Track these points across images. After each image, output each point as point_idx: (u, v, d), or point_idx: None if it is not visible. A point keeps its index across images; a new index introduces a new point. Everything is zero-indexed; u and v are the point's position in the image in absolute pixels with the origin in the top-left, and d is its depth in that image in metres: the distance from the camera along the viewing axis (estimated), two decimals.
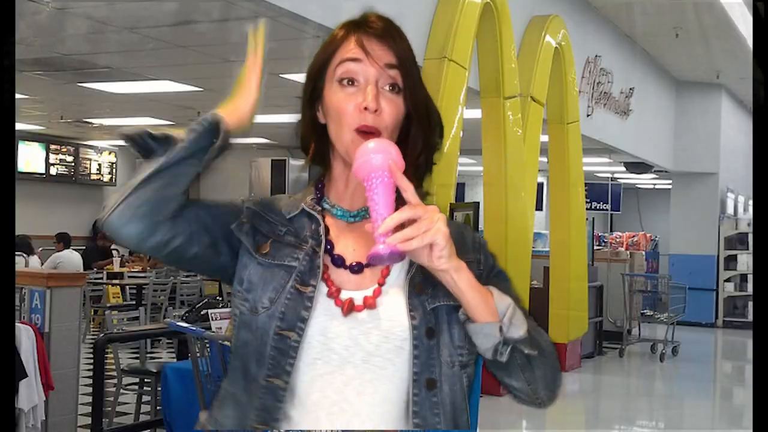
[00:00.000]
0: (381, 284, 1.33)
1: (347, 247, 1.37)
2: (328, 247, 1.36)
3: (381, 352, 1.29)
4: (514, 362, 1.30)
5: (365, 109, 1.31)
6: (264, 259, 1.35)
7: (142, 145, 1.44)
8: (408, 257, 1.26)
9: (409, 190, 1.24)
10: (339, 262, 1.36)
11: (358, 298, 1.32)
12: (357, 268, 1.34)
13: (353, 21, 1.40)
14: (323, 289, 1.32)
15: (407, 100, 1.35)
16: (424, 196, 1.37)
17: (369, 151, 1.25)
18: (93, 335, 9.54)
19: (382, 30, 1.36)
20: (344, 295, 1.32)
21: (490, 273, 1.41)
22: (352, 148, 1.30)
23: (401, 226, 1.21)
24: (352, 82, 1.34)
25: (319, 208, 1.39)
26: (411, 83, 1.35)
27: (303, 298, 1.31)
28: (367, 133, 1.31)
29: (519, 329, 1.28)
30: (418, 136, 1.37)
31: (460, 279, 1.26)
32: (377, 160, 1.24)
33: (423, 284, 1.32)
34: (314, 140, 1.41)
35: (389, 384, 1.30)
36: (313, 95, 1.40)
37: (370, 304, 1.31)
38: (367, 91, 1.32)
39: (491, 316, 1.28)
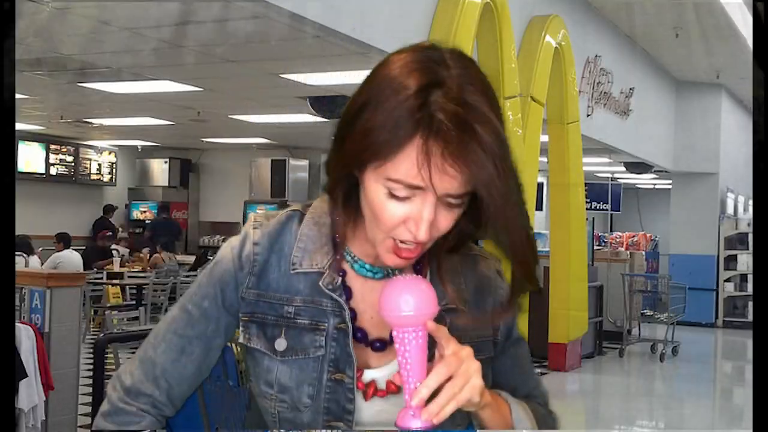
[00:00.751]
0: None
1: (365, 313, 1.22)
2: (351, 316, 1.21)
3: None
4: None
5: (412, 233, 1.09)
6: (286, 356, 1.22)
7: None
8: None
9: (448, 348, 1.09)
10: (361, 337, 1.22)
11: (380, 380, 1.22)
12: (380, 346, 1.21)
13: (422, 113, 1.04)
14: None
15: (466, 218, 1.13)
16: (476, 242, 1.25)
17: (401, 300, 1.07)
18: (93, 335, 9.54)
19: (463, 143, 1.03)
20: (366, 376, 1.22)
21: (507, 340, 1.31)
22: (381, 248, 1.13)
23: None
24: (405, 198, 1.08)
25: (339, 280, 1.21)
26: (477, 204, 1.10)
27: (343, 388, 1.21)
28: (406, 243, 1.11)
29: None
30: (469, 228, 1.17)
31: (484, 414, 1.16)
32: (410, 319, 1.07)
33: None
34: (343, 189, 1.17)
35: None
36: (349, 165, 1.13)
37: (393, 390, 1.20)
38: (421, 221, 1.08)
39: (505, 426, 1.19)
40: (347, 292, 1.22)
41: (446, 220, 1.10)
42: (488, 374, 1.27)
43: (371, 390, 1.21)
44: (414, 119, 1.03)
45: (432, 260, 1.22)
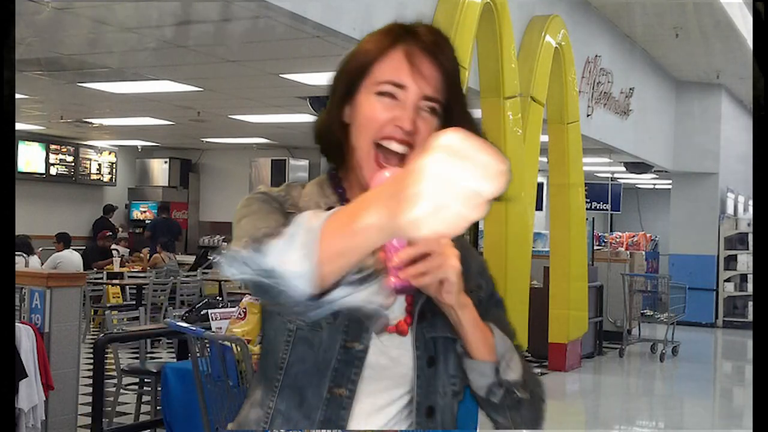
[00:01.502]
0: (409, 311, 1.34)
1: None
2: None
3: (397, 376, 1.32)
4: (503, 402, 1.30)
5: (399, 126, 1.28)
6: None
7: None
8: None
9: None
10: None
11: (390, 318, 1.32)
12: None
13: (402, 29, 1.34)
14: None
15: (443, 120, 1.31)
16: None
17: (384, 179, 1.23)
18: (93, 335, 9.54)
19: (432, 46, 1.31)
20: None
21: (489, 300, 1.43)
22: (366, 160, 1.30)
23: (414, 260, 1.21)
24: (391, 96, 1.30)
25: None
26: (448, 113, 1.31)
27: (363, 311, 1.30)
28: (389, 152, 1.28)
29: (515, 372, 1.30)
30: None
31: (463, 316, 1.28)
32: None
33: (424, 312, 1.33)
34: (335, 139, 1.36)
35: (402, 409, 1.32)
36: (344, 97, 1.34)
37: (402, 330, 1.32)
38: (407, 110, 1.28)
39: (489, 354, 1.30)
40: None
41: (425, 126, 1.28)
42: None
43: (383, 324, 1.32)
44: (397, 35, 1.32)
45: None
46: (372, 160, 1.29)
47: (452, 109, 1.31)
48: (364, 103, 1.30)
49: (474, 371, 1.30)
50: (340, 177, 1.39)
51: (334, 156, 1.38)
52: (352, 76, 1.33)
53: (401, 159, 1.27)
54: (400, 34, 1.32)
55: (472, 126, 1.33)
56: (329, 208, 1.26)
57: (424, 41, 1.31)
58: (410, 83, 1.28)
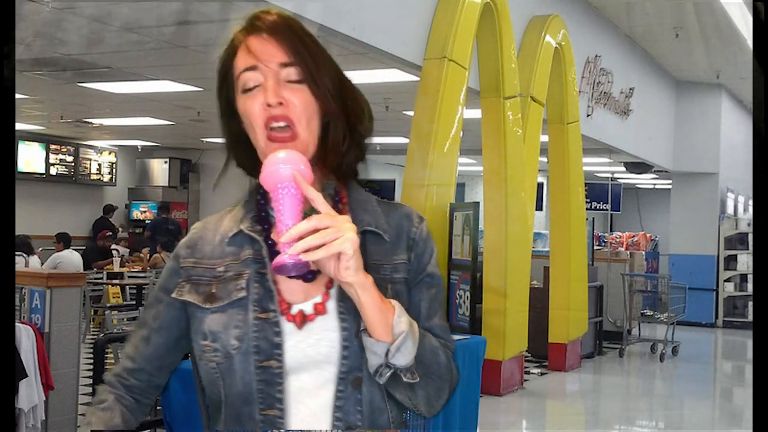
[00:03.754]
0: (329, 287, 1.33)
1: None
2: (274, 252, 1.33)
3: (326, 358, 1.30)
4: (395, 381, 1.29)
5: (269, 105, 1.30)
6: (215, 305, 1.34)
7: None
8: (316, 268, 1.25)
9: (317, 200, 1.23)
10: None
11: (308, 308, 1.31)
12: (311, 277, 1.31)
13: (244, 24, 1.38)
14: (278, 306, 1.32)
15: (313, 91, 1.32)
16: (363, 185, 1.41)
17: (276, 161, 1.23)
18: (93, 335, 9.54)
19: (270, 27, 1.34)
20: (294, 308, 1.32)
21: (417, 275, 1.40)
22: (263, 145, 1.32)
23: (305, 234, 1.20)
24: (253, 87, 1.33)
25: (259, 228, 1.38)
26: (311, 74, 1.32)
27: (269, 324, 1.30)
28: (277, 130, 1.31)
29: (404, 357, 1.27)
30: (337, 123, 1.35)
31: (363, 295, 1.24)
32: (284, 171, 1.22)
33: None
34: (244, 151, 1.39)
35: (328, 385, 1.31)
36: (229, 108, 1.38)
37: (320, 310, 1.31)
38: (267, 87, 1.31)
39: (385, 335, 1.26)
40: (270, 241, 1.35)
41: (298, 97, 1.31)
42: (403, 292, 1.37)
43: (299, 318, 1.31)
44: (237, 34, 1.37)
45: (349, 200, 1.40)
46: (264, 140, 1.32)
47: (318, 70, 1.33)
48: (241, 106, 1.34)
49: (368, 350, 1.28)
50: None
51: (250, 166, 1.40)
52: (221, 88, 1.39)
53: (287, 135, 1.31)
54: (242, 31, 1.36)
55: (344, 91, 1.36)
56: (255, 219, 1.39)
57: (262, 27, 1.34)
58: (259, 61, 1.32)
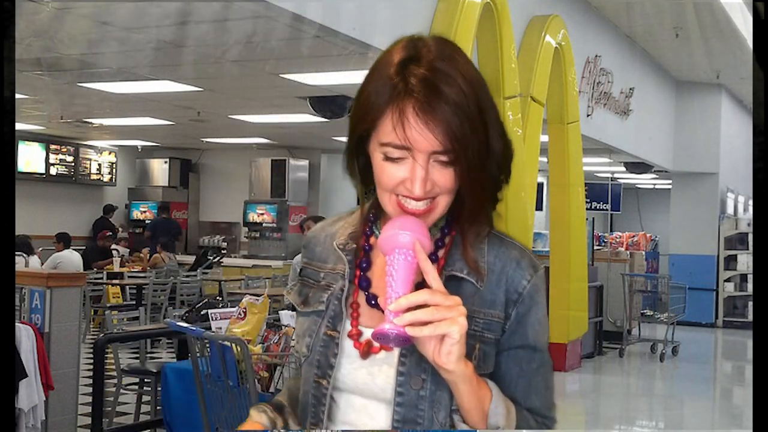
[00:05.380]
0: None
1: (383, 279, 1.27)
2: (364, 283, 1.32)
3: (382, 391, 1.26)
4: None
5: (410, 190, 1.21)
6: (303, 308, 1.38)
7: None
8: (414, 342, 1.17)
9: (431, 274, 1.17)
10: (373, 301, 1.30)
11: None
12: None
13: (396, 77, 1.20)
14: (348, 329, 1.31)
15: (462, 170, 1.21)
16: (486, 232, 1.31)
17: (396, 227, 1.20)
18: (93, 335, 9.54)
19: (430, 98, 1.17)
20: (365, 336, 1.29)
21: (513, 340, 1.27)
22: (390, 208, 1.26)
23: (414, 307, 1.14)
24: (398, 159, 1.21)
25: (354, 247, 1.34)
26: (465, 157, 1.20)
27: (333, 343, 1.31)
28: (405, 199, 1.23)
29: None
30: (477, 191, 1.25)
31: (462, 385, 1.18)
32: (403, 238, 1.19)
33: None
34: (358, 166, 1.31)
35: (383, 420, 1.27)
36: (358, 145, 1.28)
37: (387, 347, 1.25)
38: (415, 177, 1.20)
39: (480, 422, 1.20)
40: (366, 261, 1.33)
41: (444, 178, 1.21)
42: (491, 354, 1.26)
43: (365, 348, 1.27)
44: (391, 86, 1.20)
45: (457, 234, 1.30)
46: (393, 206, 1.24)
47: (468, 147, 1.20)
48: (375, 162, 1.24)
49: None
50: (374, 205, 1.36)
51: (368, 181, 1.32)
52: (359, 131, 1.26)
53: (422, 210, 1.23)
54: (395, 87, 1.19)
55: (500, 151, 1.26)
56: (355, 236, 1.36)
57: (418, 96, 1.18)
58: (412, 143, 1.19)
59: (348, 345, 1.29)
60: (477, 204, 1.26)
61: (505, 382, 1.26)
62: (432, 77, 1.18)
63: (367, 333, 1.27)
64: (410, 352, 1.22)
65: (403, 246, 1.18)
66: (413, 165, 1.20)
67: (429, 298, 1.14)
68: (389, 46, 1.27)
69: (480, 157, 1.21)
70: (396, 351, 1.25)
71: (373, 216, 1.36)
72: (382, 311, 1.23)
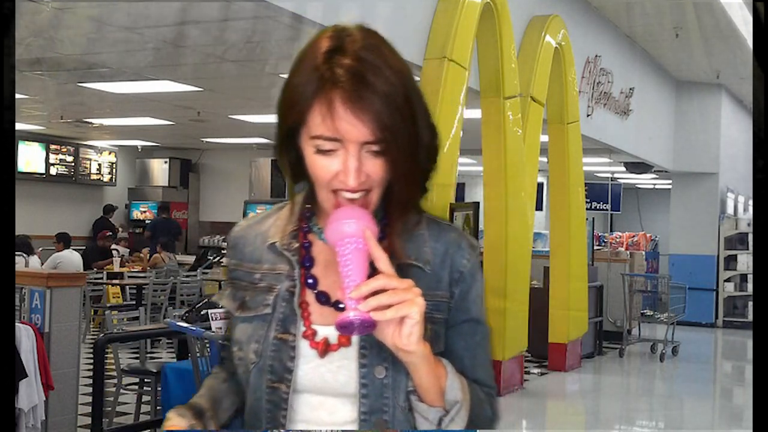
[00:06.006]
0: None
1: (328, 278, 1.30)
2: (310, 281, 1.30)
3: (344, 386, 1.27)
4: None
5: (344, 182, 1.21)
6: (244, 314, 1.33)
7: None
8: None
9: (383, 260, 1.18)
10: (323, 299, 1.30)
11: (333, 337, 1.27)
12: (342, 307, 1.23)
13: (323, 67, 1.19)
14: (302, 330, 1.29)
15: (394, 159, 1.22)
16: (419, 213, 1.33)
17: (342, 216, 1.20)
18: (93, 335, 9.54)
19: (355, 88, 1.17)
20: (320, 335, 1.28)
21: (459, 316, 1.32)
22: (327, 204, 1.25)
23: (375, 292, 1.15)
24: (330, 151, 1.21)
25: (297, 245, 1.32)
26: (395, 146, 1.20)
27: (287, 347, 1.28)
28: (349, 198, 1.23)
29: (457, 426, 1.23)
30: (408, 179, 1.26)
31: (421, 364, 1.20)
32: (350, 227, 1.19)
33: None
34: (290, 161, 1.30)
35: (347, 417, 1.28)
36: (290, 139, 1.27)
37: (344, 343, 1.26)
38: (348, 169, 1.20)
39: (438, 400, 1.23)
40: (309, 259, 1.32)
41: (376, 168, 1.21)
42: (441, 333, 1.30)
43: (323, 346, 1.27)
44: (318, 77, 1.19)
45: (389, 222, 1.30)
46: (330, 201, 1.24)
47: (398, 137, 1.20)
48: (307, 156, 1.23)
49: (419, 414, 1.24)
50: (315, 197, 1.31)
51: (299, 176, 1.31)
52: (288, 124, 1.25)
53: (359, 202, 1.23)
54: (322, 78, 1.18)
55: (425, 137, 1.25)
56: (295, 234, 1.33)
57: (345, 86, 1.17)
58: (343, 134, 1.18)
59: (304, 346, 1.28)
60: (409, 193, 1.28)
61: (452, 357, 1.30)
62: (359, 67, 1.18)
63: (321, 331, 1.28)
64: (369, 344, 1.25)
65: (352, 235, 1.19)
66: (346, 156, 1.19)
67: (386, 283, 1.15)
68: (313, 37, 1.27)
69: (411, 147, 1.21)
70: (355, 345, 1.26)
71: (309, 212, 1.35)
72: (333, 307, 1.26)
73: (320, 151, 1.21)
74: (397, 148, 1.20)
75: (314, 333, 1.28)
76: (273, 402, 1.28)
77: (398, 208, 1.28)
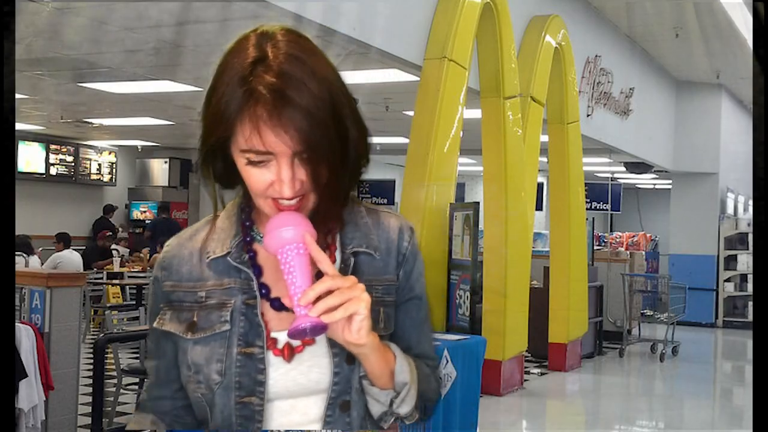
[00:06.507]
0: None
1: (279, 283, 1.28)
2: (263, 291, 1.30)
3: (317, 384, 1.29)
4: (391, 424, 1.31)
5: (280, 192, 1.21)
6: (197, 335, 1.30)
7: None
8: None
9: (324, 262, 1.20)
10: (277, 305, 1.30)
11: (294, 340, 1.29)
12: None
13: (247, 81, 1.19)
14: (264, 341, 1.29)
15: (325, 163, 1.22)
16: (353, 201, 1.36)
17: (280, 224, 1.20)
18: (93, 335, 9.54)
19: (278, 102, 1.17)
20: (281, 342, 1.28)
21: (405, 294, 1.36)
22: (266, 209, 1.25)
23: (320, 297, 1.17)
24: (259, 162, 1.21)
25: (246, 256, 1.31)
26: (324, 153, 1.20)
27: (254, 361, 1.28)
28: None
29: (408, 405, 1.29)
30: (338, 176, 1.25)
31: (372, 354, 1.24)
32: (289, 233, 1.20)
33: None
34: (214, 171, 1.28)
35: (317, 410, 1.30)
36: (216, 150, 1.25)
37: (308, 342, 1.28)
38: (282, 179, 1.20)
39: (389, 383, 1.27)
40: (257, 269, 1.31)
41: (308, 172, 1.21)
42: (392, 315, 1.35)
43: (287, 351, 1.28)
44: (242, 92, 1.18)
45: (332, 217, 1.32)
46: (270, 207, 1.25)
47: (325, 147, 1.20)
48: (240, 167, 1.23)
49: (370, 397, 1.28)
50: (251, 204, 1.32)
51: (227, 181, 1.30)
52: (214, 138, 1.23)
53: (295, 207, 1.23)
54: (245, 94, 1.18)
55: (356, 140, 1.25)
56: (241, 245, 1.32)
57: (266, 104, 1.17)
58: (273, 148, 1.18)
59: (269, 356, 1.28)
60: (343, 187, 1.29)
61: (399, 333, 1.35)
62: (280, 84, 1.17)
63: (281, 337, 1.29)
64: None
65: (292, 241, 1.20)
66: (278, 168, 1.20)
67: (332, 284, 1.17)
68: (235, 42, 1.26)
69: (341, 152, 1.22)
70: (321, 340, 1.28)
71: (248, 220, 1.34)
72: (289, 311, 1.25)
73: (252, 163, 1.21)
74: (325, 158, 1.21)
75: (275, 341, 1.29)
76: (245, 416, 1.28)
77: (336, 204, 1.30)
